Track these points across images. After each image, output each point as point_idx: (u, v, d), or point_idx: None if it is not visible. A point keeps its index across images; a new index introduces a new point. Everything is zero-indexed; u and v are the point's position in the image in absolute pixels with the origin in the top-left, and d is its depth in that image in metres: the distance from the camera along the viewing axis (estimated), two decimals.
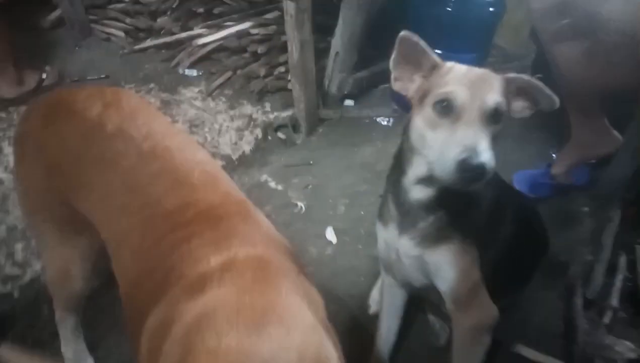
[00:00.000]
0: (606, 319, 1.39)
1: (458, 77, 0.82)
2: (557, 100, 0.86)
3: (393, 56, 0.89)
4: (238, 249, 0.73)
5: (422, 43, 0.87)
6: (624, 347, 1.35)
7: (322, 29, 2.25)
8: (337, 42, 2.12)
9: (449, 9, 1.94)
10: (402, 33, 0.87)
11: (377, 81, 2.42)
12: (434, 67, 0.87)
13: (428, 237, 0.95)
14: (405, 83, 0.92)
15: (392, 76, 0.93)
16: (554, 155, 1.98)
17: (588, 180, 1.88)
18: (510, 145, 1.99)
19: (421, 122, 0.84)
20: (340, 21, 2.08)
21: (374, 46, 2.44)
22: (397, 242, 1.00)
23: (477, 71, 0.85)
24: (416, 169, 0.89)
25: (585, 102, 1.61)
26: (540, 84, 0.85)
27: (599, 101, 1.60)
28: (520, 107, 0.90)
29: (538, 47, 2.33)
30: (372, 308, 1.43)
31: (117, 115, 0.88)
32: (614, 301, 1.44)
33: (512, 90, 0.87)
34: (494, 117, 0.80)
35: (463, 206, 0.94)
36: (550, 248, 1.66)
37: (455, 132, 0.78)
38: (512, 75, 0.86)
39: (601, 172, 1.84)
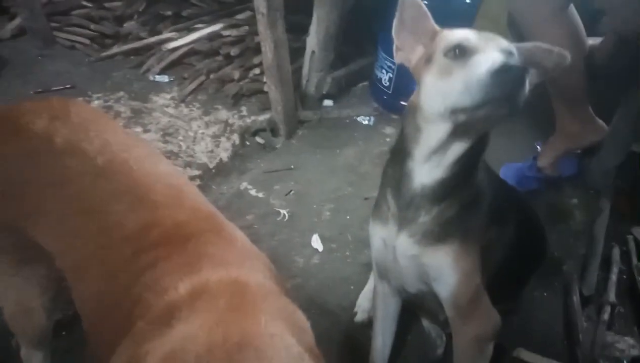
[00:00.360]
0: (605, 316, 1.36)
1: (465, 32, 0.79)
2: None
3: (395, 21, 0.85)
4: (209, 272, 0.65)
5: (424, 6, 0.84)
6: (626, 343, 1.31)
7: (297, 27, 2.17)
8: (313, 40, 2.05)
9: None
10: None
11: (356, 79, 2.35)
12: (435, 34, 0.83)
13: (429, 235, 0.89)
14: (408, 53, 0.88)
15: (395, 45, 0.88)
16: (539, 147, 1.95)
17: (576, 171, 1.85)
18: (494, 138, 1.94)
19: (434, 76, 0.79)
20: (314, 19, 2.00)
21: (350, 43, 2.37)
22: (395, 240, 0.93)
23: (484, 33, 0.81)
24: (428, 139, 0.82)
25: (569, 90, 1.58)
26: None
27: (583, 90, 1.57)
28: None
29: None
30: (359, 316, 1.36)
31: (66, 129, 0.79)
32: (611, 296, 1.40)
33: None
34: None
35: (468, 197, 0.88)
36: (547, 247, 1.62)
37: (480, 56, 0.72)
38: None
39: (589, 162, 1.81)
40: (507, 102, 0.70)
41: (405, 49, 0.87)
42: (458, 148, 0.81)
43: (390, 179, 0.93)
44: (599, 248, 1.54)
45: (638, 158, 1.70)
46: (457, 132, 0.79)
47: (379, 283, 1.12)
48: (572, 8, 1.49)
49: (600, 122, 1.65)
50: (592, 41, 1.65)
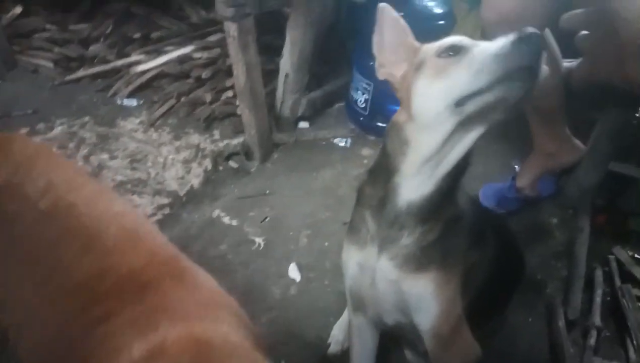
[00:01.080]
0: (591, 340, 1.32)
1: (452, 37, 0.77)
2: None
3: (375, 37, 0.83)
4: (168, 330, 0.57)
5: (403, 21, 0.82)
6: None
7: (269, 49, 2.13)
8: (286, 62, 2.01)
9: None
10: (381, 4, 0.81)
11: (331, 100, 2.32)
12: (417, 49, 0.81)
13: (410, 259, 0.84)
14: (391, 68, 0.84)
15: (377, 63, 0.85)
16: (517, 167, 1.93)
17: (554, 190, 1.84)
18: (473, 160, 1.93)
19: (429, 77, 0.75)
20: (287, 41, 1.97)
21: (325, 64, 2.35)
22: (375, 263, 0.88)
23: None
24: (420, 149, 0.78)
25: (546, 111, 1.57)
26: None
27: (560, 110, 1.56)
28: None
29: None
30: (333, 347, 1.29)
31: (7, 168, 0.71)
32: (597, 319, 1.37)
33: None
34: None
35: (451, 218, 0.84)
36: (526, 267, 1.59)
37: (483, 46, 0.70)
38: None
39: (567, 182, 1.80)
40: (526, 75, 0.66)
41: (388, 65, 0.84)
42: (456, 152, 0.78)
43: (370, 199, 0.88)
44: (581, 270, 1.51)
45: (615, 177, 1.70)
46: (458, 132, 0.75)
47: (353, 316, 1.06)
48: (547, 31, 1.49)
49: (578, 142, 1.65)
50: (568, 63, 1.67)
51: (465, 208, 0.88)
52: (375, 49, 0.84)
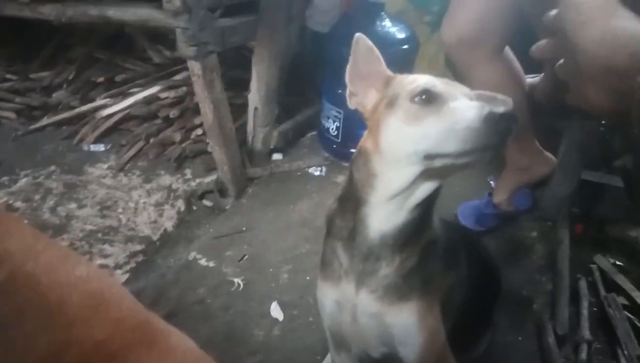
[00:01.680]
0: (583, 355, 1.30)
1: (426, 77, 0.77)
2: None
3: (349, 66, 0.82)
4: None
5: (377, 51, 0.81)
6: None
7: (237, 84, 2.13)
8: (254, 96, 2.00)
9: None
10: (357, 34, 0.80)
11: (303, 130, 2.31)
12: (389, 79, 0.81)
13: (392, 289, 0.81)
14: (361, 98, 0.83)
15: (348, 91, 0.84)
16: (492, 182, 1.94)
17: (531, 204, 1.84)
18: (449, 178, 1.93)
19: (401, 121, 0.74)
20: (254, 75, 1.96)
21: (294, 94, 2.35)
22: (354, 299, 0.84)
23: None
24: (388, 184, 0.76)
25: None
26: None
27: (528, 125, 1.58)
28: None
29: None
30: None
31: None
32: (586, 333, 1.35)
33: None
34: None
35: (427, 242, 0.82)
36: (510, 283, 1.58)
37: (456, 103, 0.70)
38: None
39: (543, 193, 1.82)
40: (494, 150, 0.67)
41: (359, 94, 0.83)
42: (425, 189, 0.76)
43: (340, 230, 0.84)
44: (565, 283, 1.50)
45: (588, 186, 1.72)
46: (426, 175, 0.74)
47: (336, 356, 1.01)
48: (508, 49, 1.52)
49: (548, 154, 1.66)
50: (531, 79, 1.70)
51: (439, 229, 0.86)
52: (348, 78, 0.83)
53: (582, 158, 1.66)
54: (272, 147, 2.14)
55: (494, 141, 0.66)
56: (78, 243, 1.66)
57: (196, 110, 2.04)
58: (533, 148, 1.64)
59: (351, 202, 0.82)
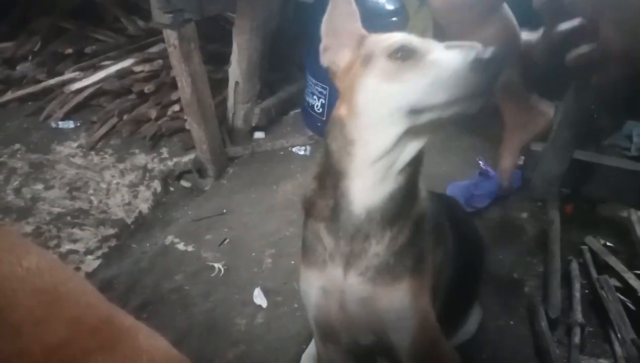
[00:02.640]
0: (576, 339, 1.27)
1: (400, 34, 0.73)
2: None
3: (325, 18, 0.78)
4: None
5: (355, 7, 0.78)
6: None
7: (216, 58, 2.01)
8: (235, 70, 1.89)
9: None
10: None
11: (286, 108, 2.21)
12: (362, 38, 0.77)
13: (384, 269, 0.76)
14: (335, 53, 0.78)
15: (322, 45, 0.79)
16: (481, 162, 1.89)
17: (520, 183, 1.80)
18: (436, 156, 1.87)
19: (379, 78, 0.70)
20: (234, 47, 1.85)
21: (277, 70, 2.24)
22: (341, 284, 0.78)
23: None
24: (368, 149, 0.72)
25: (509, 85, 1.53)
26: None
27: (522, 83, 1.53)
28: None
29: None
30: None
31: None
32: (579, 316, 1.32)
33: None
34: None
35: (417, 215, 0.78)
36: (500, 266, 1.54)
37: (437, 55, 0.67)
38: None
39: (533, 173, 1.77)
40: (484, 96, 0.64)
41: (333, 49, 0.78)
42: (410, 151, 0.72)
43: (322, 211, 0.78)
44: (556, 264, 1.47)
45: (578, 165, 1.68)
46: (410, 134, 0.70)
47: (323, 349, 0.95)
48: (505, 6, 1.45)
49: (546, 103, 1.61)
50: (528, 36, 1.64)
51: (427, 201, 0.82)
52: (323, 30, 0.78)
53: (574, 136, 1.61)
54: (253, 125, 2.04)
55: (483, 85, 0.63)
56: (45, 227, 1.55)
57: (173, 85, 1.92)
58: (528, 102, 1.59)
59: (330, 177, 0.76)
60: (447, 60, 0.65)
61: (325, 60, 0.79)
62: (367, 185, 0.73)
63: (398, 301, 0.77)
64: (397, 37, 0.71)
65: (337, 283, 0.79)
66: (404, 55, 0.68)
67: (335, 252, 0.78)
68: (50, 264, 0.63)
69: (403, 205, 0.75)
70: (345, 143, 0.73)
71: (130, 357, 0.55)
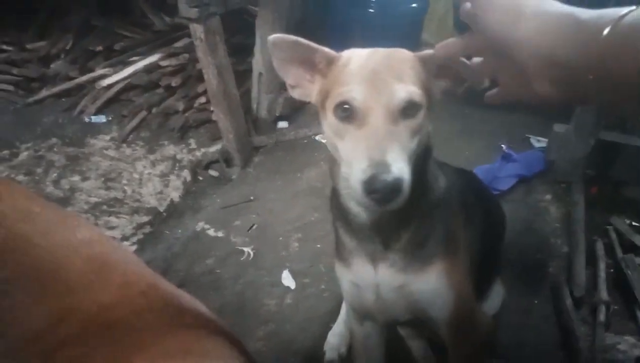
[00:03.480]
0: (601, 316, 1.27)
1: (357, 70, 0.67)
2: (485, 81, 0.68)
3: (274, 64, 0.74)
4: None
5: (303, 41, 0.71)
6: (627, 343, 1.24)
7: (240, 49, 2.06)
8: (259, 61, 1.93)
9: (372, 10, 1.82)
10: (271, 37, 0.71)
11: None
12: (331, 62, 0.71)
13: (412, 258, 0.77)
14: (305, 88, 0.75)
15: (287, 84, 0.76)
16: (504, 146, 1.90)
17: (543, 167, 1.80)
18: (459, 141, 1.88)
19: (328, 130, 0.69)
20: (257, 39, 1.89)
21: None
22: (373, 277, 0.80)
23: (380, 56, 0.68)
24: (347, 176, 0.69)
25: None
26: (464, 60, 0.67)
27: None
28: (443, 85, 0.73)
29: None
30: (329, 354, 1.21)
31: None
32: (604, 294, 1.33)
33: (431, 70, 0.70)
34: (407, 112, 0.65)
35: (435, 206, 0.78)
36: (524, 248, 1.55)
37: (360, 142, 0.63)
38: (427, 52, 0.69)
39: (557, 155, 1.77)
40: (380, 208, 0.62)
41: (302, 84, 0.75)
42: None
43: (339, 213, 0.80)
44: (581, 245, 1.47)
45: (604, 146, 1.67)
46: None
47: (357, 326, 0.98)
48: None
49: None
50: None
51: (448, 186, 0.81)
52: (279, 72, 0.75)
53: (597, 119, 1.60)
54: (277, 114, 2.09)
55: (370, 206, 0.61)
56: (83, 216, 1.63)
57: (199, 78, 1.98)
58: None
59: (334, 189, 0.78)
60: (355, 163, 0.62)
61: (295, 95, 0.77)
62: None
63: (432, 283, 0.79)
64: (345, 87, 0.66)
65: (368, 278, 0.81)
66: (345, 114, 0.65)
67: (357, 250, 0.79)
68: (100, 237, 0.69)
69: (410, 205, 0.70)
70: (333, 163, 0.73)
71: (176, 316, 0.60)
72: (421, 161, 0.72)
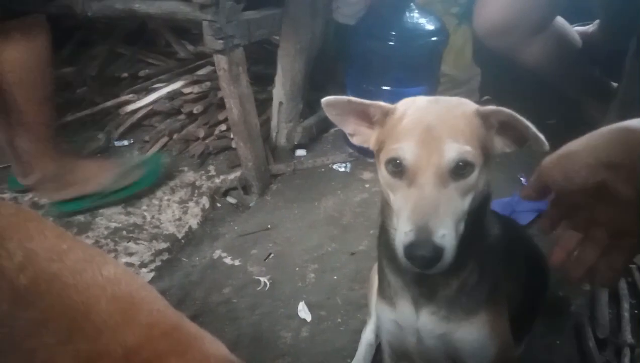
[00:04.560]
0: (626, 360, 1.24)
1: (411, 125, 0.68)
2: (545, 143, 0.69)
3: (330, 118, 0.78)
4: None
5: (354, 99, 0.74)
6: None
7: (261, 79, 2.10)
8: (279, 91, 1.96)
9: (392, 44, 1.84)
10: (324, 100, 0.75)
11: (327, 125, 2.27)
12: (386, 114, 0.73)
13: (456, 308, 0.77)
14: (364, 135, 0.77)
15: (347, 133, 0.79)
16: (522, 179, 1.88)
17: None
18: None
19: (381, 180, 0.71)
20: (279, 69, 1.93)
21: (317, 90, 2.30)
22: (414, 322, 0.80)
23: (436, 109, 0.69)
24: (399, 219, 0.70)
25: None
26: (527, 122, 0.68)
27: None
28: (502, 144, 0.74)
29: (483, 69, 2.29)
30: None
31: None
32: (628, 337, 1.29)
33: (492, 125, 0.71)
34: (459, 171, 0.64)
35: (483, 255, 0.77)
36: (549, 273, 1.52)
37: (408, 202, 0.64)
38: (490, 108, 0.69)
39: None
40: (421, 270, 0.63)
41: (361, 132, 0.78)
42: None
43: (387, 252, 0.80)
44: None
45: None
46: None
47: None
48: (558, 18, 1.47)
49: None
50: (583, 28, 1.65)
51: (495, 234, 0.80)
52: (339, 126, 0.79)
53: None
54: (295, 143, 2.11)
55: (411, 269, 0.63)
56: (103, 241, 1.65)
57: (220, 106, 2.02)
58: None
59: (382, 227, 0.78)
60: (400, 226, 0.63)
61: (355, 142, 0.79)
62: None
63: (475, 334, 0.78)
64: (396, 143, 0.66)
65: (409, 321, 0.80)
66: (396, 169, 0.66)
67: (402, 291, 0.79)
68: (125, 273, 0.70)
69: (466, 251, 0.70)
70: (386, 205, 0.74)
71: (200, 360, 0.60)
72: (477, 212, 0.71)
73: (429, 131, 0.65)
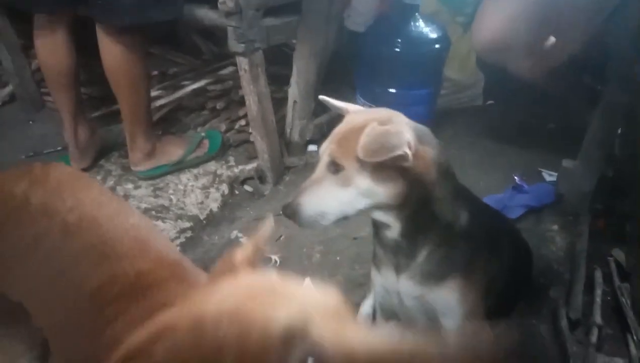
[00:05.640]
0: (593, 338, 1.38)
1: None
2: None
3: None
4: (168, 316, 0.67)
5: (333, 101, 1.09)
6: None
7: (278, 79, 2.28)
8: (294, 91, 2.15)
9: (398, 50, 2.01)
10: (320, 96, 1.09)
11: (336, 123, 2.42)
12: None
13: (428, 274, 0.94)
14: None
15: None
16: (517, 178, 2.03)
17: (554, 199, 1.92)
18: (472, 172, 2.03)
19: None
20: (294, 71, 2.11)
21: (330, 90, 2.47)
22: (396, 284, 0.98)
23: (354, 123, 0.98)
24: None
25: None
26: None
27: None
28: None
29: (486, 74, 2.43)
30: None
31: (43, 191, 0.84)
32: (598, 318, 1.43)
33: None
34: (331, 168, 0.95)
35: (451, 234, 0.93)
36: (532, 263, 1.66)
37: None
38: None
39: (565, 189, 1.89)
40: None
41: None
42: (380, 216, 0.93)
43: (375, 229, 1.00)
44: (581, 273, 1.58)
45: (609, 182, 1.78)
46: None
47: (384, 322, 1.16)
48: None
49: None
50: None
51: (472, 218, 0.96)
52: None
53: (602, 155, 1.72)
54: (308, 138, 2.28)
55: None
56: None
57: (240, 103, 2.21)
58: None
59: None
60: None
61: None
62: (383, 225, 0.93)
63: (445, 297, 0.95)
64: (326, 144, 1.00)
65: (392, 284, 1.00)
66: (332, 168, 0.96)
67: (385, 260, 0.99)
68: (146, 224, 0.90)
69: (418, 235, 0.91)
70: None
71: (192, 286, 0.78)
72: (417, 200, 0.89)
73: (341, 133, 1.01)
